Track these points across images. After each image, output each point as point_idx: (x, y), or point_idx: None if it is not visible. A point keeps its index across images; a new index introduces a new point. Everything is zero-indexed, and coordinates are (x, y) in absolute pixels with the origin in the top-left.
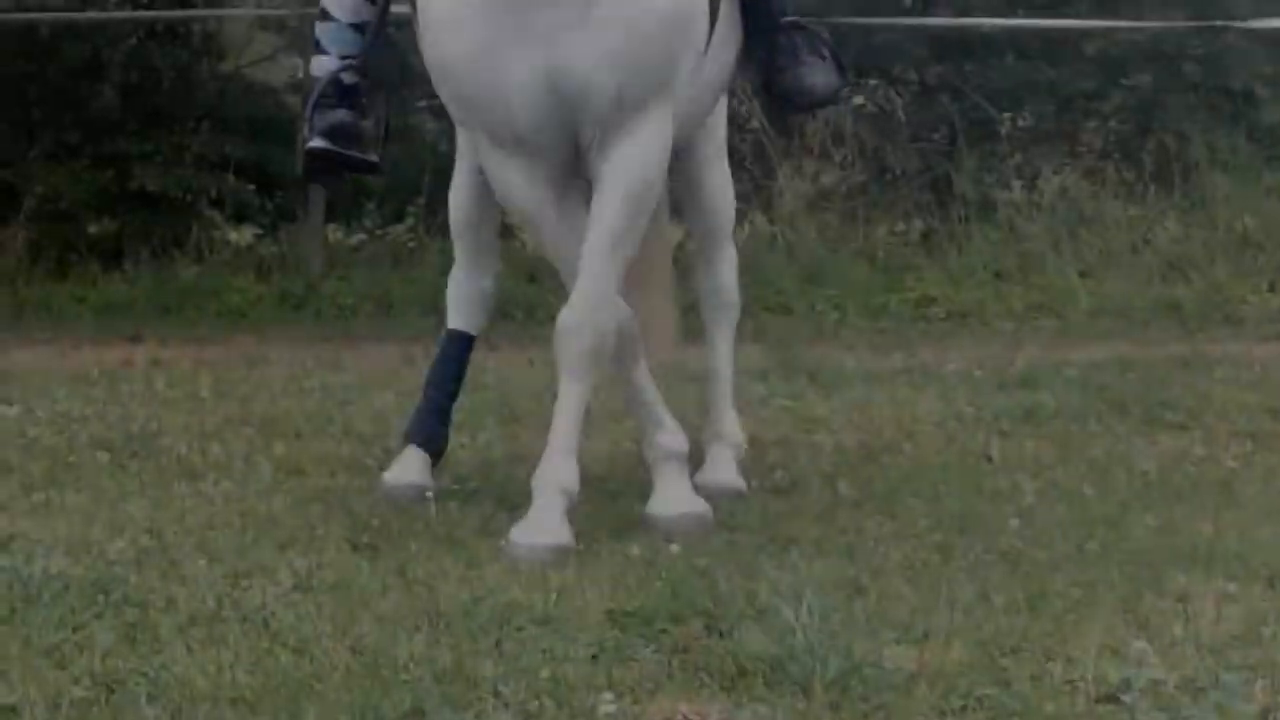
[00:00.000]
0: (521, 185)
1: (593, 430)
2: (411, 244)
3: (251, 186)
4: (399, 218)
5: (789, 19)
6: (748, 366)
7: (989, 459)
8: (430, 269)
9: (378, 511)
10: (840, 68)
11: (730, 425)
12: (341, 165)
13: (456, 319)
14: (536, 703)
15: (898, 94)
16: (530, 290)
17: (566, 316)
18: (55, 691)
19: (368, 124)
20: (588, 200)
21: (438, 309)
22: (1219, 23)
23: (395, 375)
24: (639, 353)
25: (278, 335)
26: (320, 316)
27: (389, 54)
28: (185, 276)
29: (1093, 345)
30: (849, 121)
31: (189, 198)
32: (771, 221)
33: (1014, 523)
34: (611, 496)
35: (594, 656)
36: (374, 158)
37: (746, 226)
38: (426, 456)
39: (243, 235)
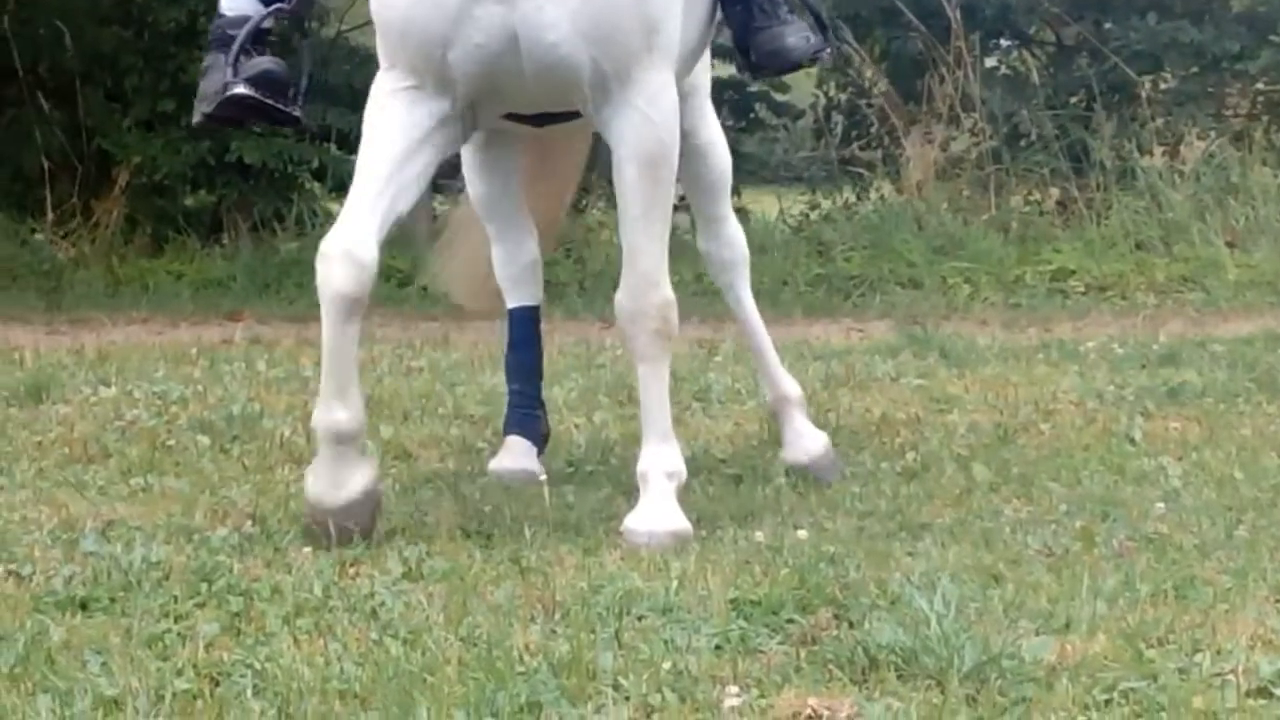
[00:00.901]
0: (403, 112)
1: (716, 412)
2: None
3: (354, 157)
4: None
5: None
6: (876, 343)
7: (1132, 440)
8: None
9: (490, 496)
10: (822, 26)
11: (787, 381)
12: (262, 116)
13: (513, 297)
14: (658, 696)
15: (1032, 55)
16: None
17: (624, 302)
18: (158, 683)
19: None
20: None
21: (549, 284)
22: None
23: None
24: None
25: (382, 312)
26: (426, 293)
27: None
28: (286, 251)
29: (1240, 320)
30: (980, 85)
31: (289, 169)
32: (899, 191)
33: (1159, 507)
34: (734, 480)
35: (718, 648)
36: (297, 112)
37: (873, 195)
38: (529, 443)
39: None
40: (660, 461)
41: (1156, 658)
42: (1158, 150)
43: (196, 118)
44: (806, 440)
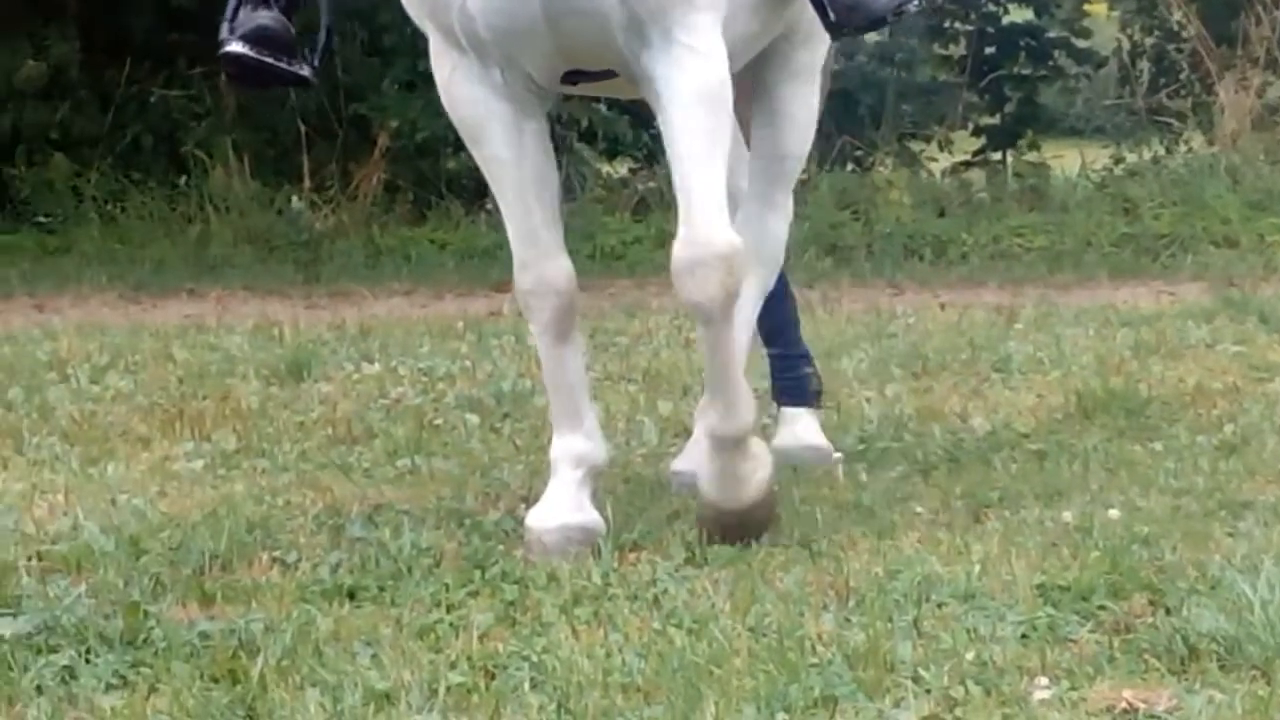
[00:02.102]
0: (473, 97)
1: (1017, 384)
2: (803, 176)
3: (625, 117)
4: None
5: None
6: (1189, 307)
7: None
8: (824, 204)
9: (777, 475)
10: None
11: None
12: (265, 76)
13: None
14: (961, 688)
15: None
16: (939, 225)
17: (680, 255)
18: (431, 676)
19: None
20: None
21: (835, 247)
22: None
23: None
24: (573, 328)
25: (659, 280)
26: None
27: None
28: None
29: None
30: None
31: (558, 130)
32: (1211, 142)
33: None
34: (1038, 456)
35: (1024, 636)
36: (304, 70)
37: (1183, 147)
38: (809, 410)
39: (616, 169)
40: (719, 423)
41: None
42: None
43: (222, 78)
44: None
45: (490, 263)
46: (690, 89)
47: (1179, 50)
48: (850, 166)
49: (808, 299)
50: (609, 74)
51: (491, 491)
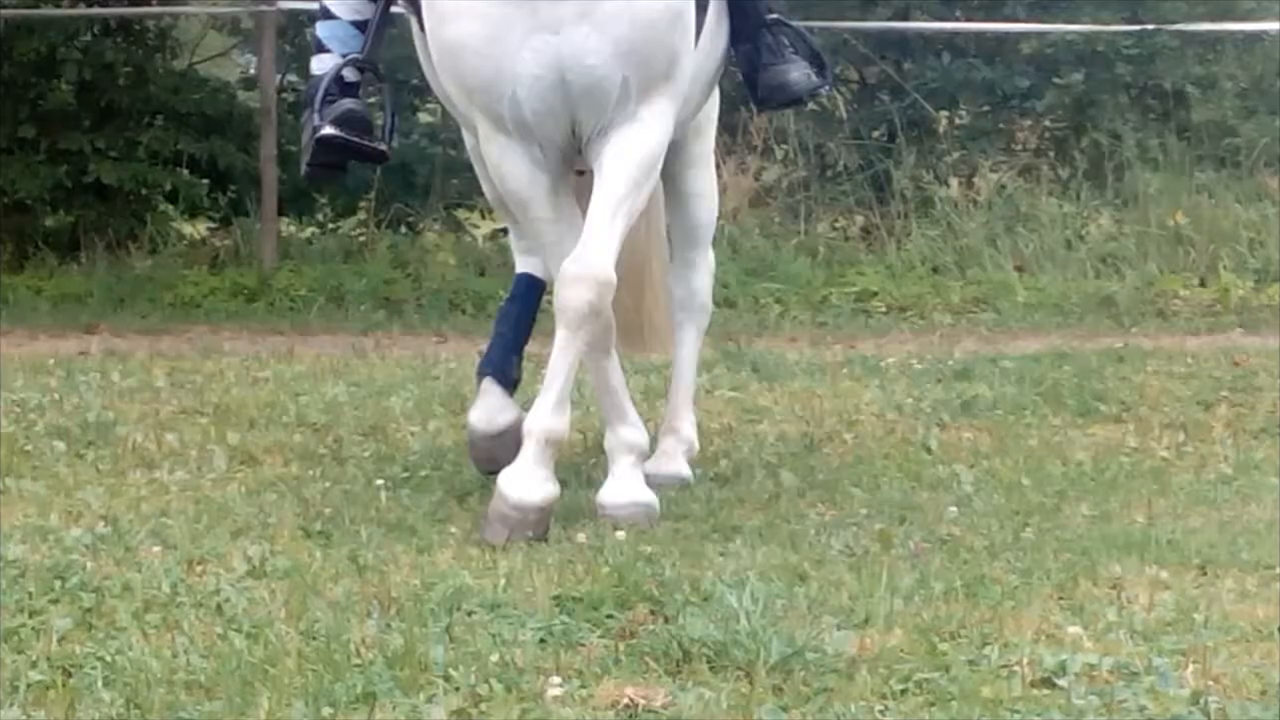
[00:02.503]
0: (520, 172)
1: None
2: (362, 238)
3: (205, 181)
4: (350, 212)
5: (774, 16)
6: None
7: (928, 449)
8: (380, 262)
9: (330, 499)
10: (821, 66)
11: (687, 427)
12: (352, 153)
13: (528, 265)
14: (485, 686)
15: (839, 93)
16: (479, 284)
17: (569, 266)
18: (13, 675)
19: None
20: (578, 192)
21: (388, 300)
22: (1151, 25)
23: (346, 366)
24: (611, 344)
25: (231, 326)
26: (273, 308)
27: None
28: (140, 268)
29: (1028, 338)
30: (791, 119)
31: (143, 191)
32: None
33: (952, 511)
34: (561, 484)
35: (542, 641)
36: (383, 147)
37: None
38: (504, 390)
39: (196, 228)
40: (544, 423)
41: (948, 650)
42: (953, 181)
43: (302, 170)
44: (665, 464)
45: (81, 308)
46: (625, 160)
47: None
48: (404, 229)
49: (362, 345)
50: None
51: (74, 510)
